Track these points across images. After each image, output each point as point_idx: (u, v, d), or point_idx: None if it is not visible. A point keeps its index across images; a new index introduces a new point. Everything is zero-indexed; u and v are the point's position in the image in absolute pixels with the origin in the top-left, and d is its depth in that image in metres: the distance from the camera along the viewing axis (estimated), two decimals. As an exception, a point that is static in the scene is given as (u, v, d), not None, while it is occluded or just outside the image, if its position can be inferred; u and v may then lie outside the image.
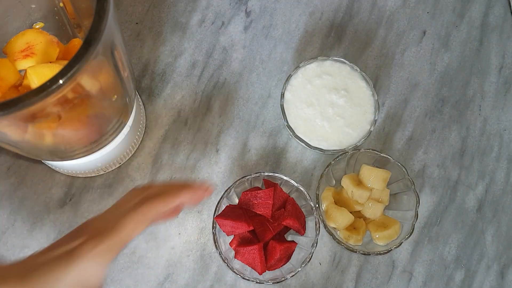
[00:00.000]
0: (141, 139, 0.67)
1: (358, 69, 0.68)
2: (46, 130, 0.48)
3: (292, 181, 0.63)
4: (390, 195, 0.66)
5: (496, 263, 0.69)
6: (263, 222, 0.63)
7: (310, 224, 0.63)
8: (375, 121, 0.66)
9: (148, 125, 0.68)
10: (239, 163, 0.68)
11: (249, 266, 0.62)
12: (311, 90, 0.67)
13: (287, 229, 0.64)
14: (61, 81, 0.38)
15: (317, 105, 0.66)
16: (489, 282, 0.68)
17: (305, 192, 0.63)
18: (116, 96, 0.51)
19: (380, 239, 0.63)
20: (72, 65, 0.39)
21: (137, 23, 0.71)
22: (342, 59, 0.68)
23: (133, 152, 0.66)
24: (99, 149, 0.58)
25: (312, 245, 0.61)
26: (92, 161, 0.60)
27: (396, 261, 0.67)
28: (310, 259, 0.61)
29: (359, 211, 0.65)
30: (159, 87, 0.69)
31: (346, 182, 0.65)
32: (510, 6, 0.78)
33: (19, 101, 0.38)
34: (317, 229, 0.62)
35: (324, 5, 0.75)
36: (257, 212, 0.62)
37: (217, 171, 0.67)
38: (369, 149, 0.65)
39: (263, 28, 0.73)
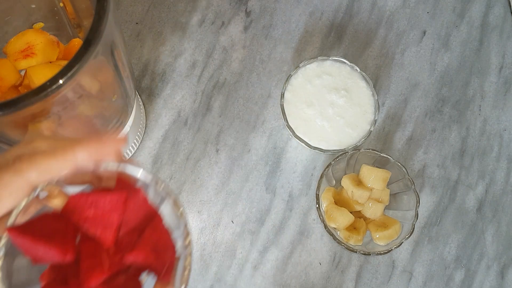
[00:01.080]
0: (141, 139, 0.67)
1: (358, 69, 0.68)
2: (46, 131, 0.47)
3: (164, 191, 0.38)
4: (390, 195, 0.66)
5: (496, 263, 0.69)
6: (98, 250, 0.36)
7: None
8: (375, 121, 0.66)
9: (148, 125, 0.68)
10: (239, 163, 0.68)
11: None
12: (311, 90, 0.67)
13: (141, 268, 0.37)
14: (61, 81, 0.38)
15: (317, 105, 0.66)
16: (489, 282, 0.68)
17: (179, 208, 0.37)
18: (116, 96, 0.51)
19: (380, 239, 0.63)
20: (72, 65, 0.39)
21: (137, 23, 0.71)
22: (342, 59, 0.68)
23: (133, 152, 0.66)
24: (99, 149, 0.58)
25: None
26: (92, 161, 0.59)
27: (396, 261, 0.67)
28: None
29: (359, 211, 0.65)
30: (159, 87, 0.69)
31: (346, 182, 0.65)
32: (510, 6, 0.78)
33: (19, 101, 0.38)
34: (185, 275, 0.36)
35: (324, 5, 0.75)
36: (92, 234, 0.36)
37: (217, 171, 0.67)
38: (369, 149, 0.65)
39: (263, 28, 0.73)
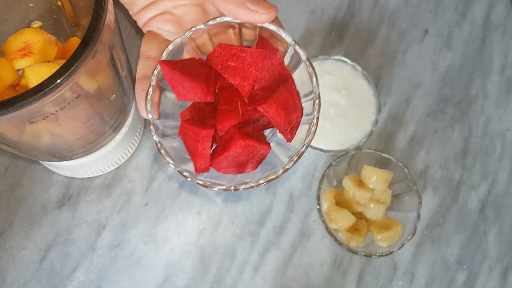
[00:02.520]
0: (140, 139, 0.66)
1: (360, 69, 0.67)
2: (44, 130, 0.47)
3: (302, 53, 0.42)
4: (392, 196, 0.65)
5: (498, 264, 0.68)
6: (234, 99, 0.41)
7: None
8: (377, 121, 0.66)
9: (147, 125, 0.68)
10: (239, 164, 0.67)
11: (189, 154, 0.42)
12: (312, 89, 0.66)
13: (266, 124, 0.43)
14: (58, 81, 0.38)
15: (318, 104, 0.66)
16: (491, 284, 0.68)
17: (313, 80, 0.42)
18: (114, 96, 0.51)
19: (382, 240, 0.62)
20: (70, 65, 0.38)
21: (135, 21, 0.71)
22: (343, 58, 0.67)
23: (131, 153, 0.66)
24: (97, 150, 0.58)
25: (292, 158, 0.41)
26: (90, 161, 0.59)
27: (398, 262, 0.66)
28: (279, 175, 0.42)
29: (360, 212, 0.65)
30: (158, 87, 0.69)
31: (347, 183, 0.64)
32: (513, 5, 0.78)
33: (17, 100, 0.38)
34: (309, 135, 0.41)
35: (325, 4, 0.75)
36: (231, 82, 0.40)
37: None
38: (371, 150, 0.64)
39: (264, 27, 0.73)
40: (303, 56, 0.42)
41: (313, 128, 0.42)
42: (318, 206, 0.63)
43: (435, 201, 0.69)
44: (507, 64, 0.75)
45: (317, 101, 0.42)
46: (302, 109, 0.42)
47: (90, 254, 0.63)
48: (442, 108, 0.72)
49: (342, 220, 0.62)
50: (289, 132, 0.41)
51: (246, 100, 0.41)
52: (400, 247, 0.62)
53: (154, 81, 0.42)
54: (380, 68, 0.73)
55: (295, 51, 0.42)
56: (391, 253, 0.62)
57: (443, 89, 0.73)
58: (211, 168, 0.41)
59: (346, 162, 0.65)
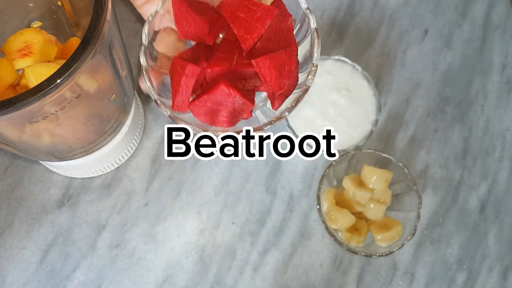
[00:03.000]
0: (140, 139, 0.66)
1: (360, 68, 0.67)
2: (44, 130, 0.47)
3: (312, 21, 0.42)
4: (392, 196, 0.65)
5: (498, 264, 0.68)
6: (232, 50, 0.41)
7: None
8: (377, 121, 0.66)
9: (147, 125, 0.68)
10: (239, 163, 0.67)
11: (172, 91, 0.42)
12: (312, 89, 0.66)
13: (257, 86, 0.42)
14: (58, 81, 0.38)
15: (318, 104, 0.66)
16: (491, 284, 0.67)
17: (316, 53, 0.42)
18: (114, 96, 0.51)
19: (382, 240, 0.62)
20: (70, 65, 0.38)
21: (136, 22, 0.71)
22: (343, 58, 0.67)
23: (131, 153, 0.66)
24: (97, 150, 0.57)
25: (270, 122, 0.41)
26: (90, 161, 0.59)
27: (398, 262, 0.66)
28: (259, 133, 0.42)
29: (360, 212, 0.65)
30: (158, 87, 0.69)
31: (347, 183, 0.64)
32: (513, 5, 0.78)
33: (17, 100, 0.37)
34: (296, 101, 0.41)
35: (325, 4, 0.75)
36: (234, 32, 0.40)
37: (217, 172, 0.67)
38: (371, 150, 0.64)
39: (264, 27, 0.72)
40: (312, 24, 0.42)
41: (301, 94, 0.41)
42: (318, 206, 0.63)
43: (435, 201, 0.69)
44: (507, 64, 0.75)
45: (313, 68, 0.42)
46: (297, 81, 0.42)
47: (90, 254, 0.63)
48: (442, 108, 0.72)
49: (342, 220, 0.62)
50: (277, 98, 0.40)
51: (244, 54, 0.40)
52: (400, 247, 0.62)
53: (160, 6, 0.42)
54: (380, 68, 0.73)
55: (306, 17, 0.42)
56: (391, 253, 0.62)
57: (443, 89, 0.73)
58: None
59: (346, 162, 0.65)
